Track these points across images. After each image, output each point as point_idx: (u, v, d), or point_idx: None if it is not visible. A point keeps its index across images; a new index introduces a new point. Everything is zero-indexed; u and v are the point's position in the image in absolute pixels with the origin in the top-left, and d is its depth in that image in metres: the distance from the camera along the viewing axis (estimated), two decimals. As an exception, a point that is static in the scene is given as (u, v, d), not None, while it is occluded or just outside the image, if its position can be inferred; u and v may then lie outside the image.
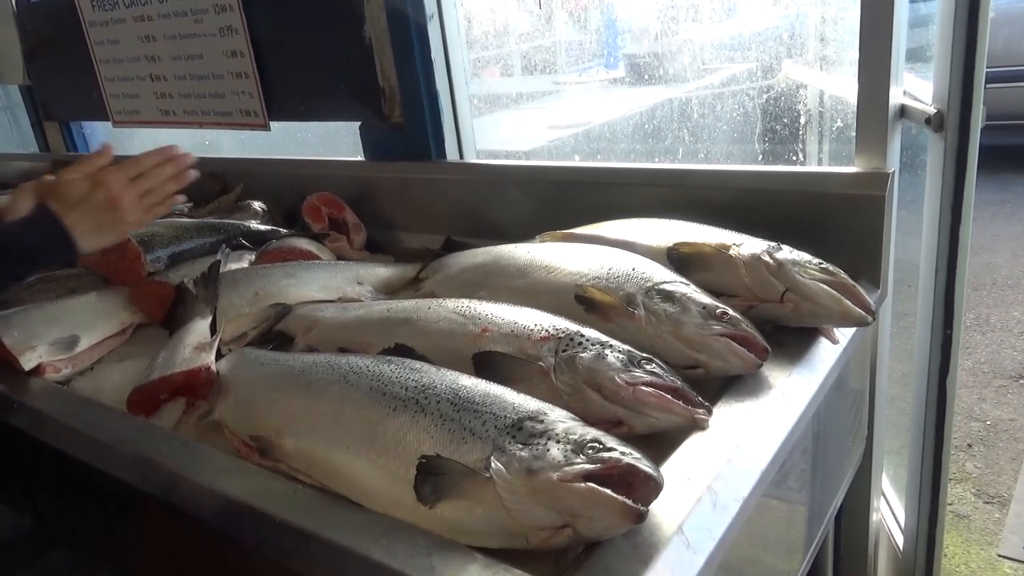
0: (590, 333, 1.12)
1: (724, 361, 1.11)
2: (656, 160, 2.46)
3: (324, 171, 2.22)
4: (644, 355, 1.08)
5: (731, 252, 1.28)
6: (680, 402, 1.02)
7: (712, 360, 1.12)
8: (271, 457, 1.06)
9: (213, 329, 1.49)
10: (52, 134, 3.11)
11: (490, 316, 1.19)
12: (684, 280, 1.23)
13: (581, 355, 1.08)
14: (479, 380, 1.03)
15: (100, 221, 1.39)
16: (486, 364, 1.11)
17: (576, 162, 2.04)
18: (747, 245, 1.28)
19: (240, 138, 2.85)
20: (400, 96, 1.95)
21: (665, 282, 1.21)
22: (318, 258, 1.79)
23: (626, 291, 1.21)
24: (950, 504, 2.53)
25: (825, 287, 1.19)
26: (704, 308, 1.15)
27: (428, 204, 2.02)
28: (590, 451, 0.86)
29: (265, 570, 0.98)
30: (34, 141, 3.15)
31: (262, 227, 1.96)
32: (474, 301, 1.26)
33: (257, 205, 2.17)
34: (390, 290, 1.72)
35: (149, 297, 1.64)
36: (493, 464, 0.88)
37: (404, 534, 0.87)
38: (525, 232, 1.63)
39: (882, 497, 1.91)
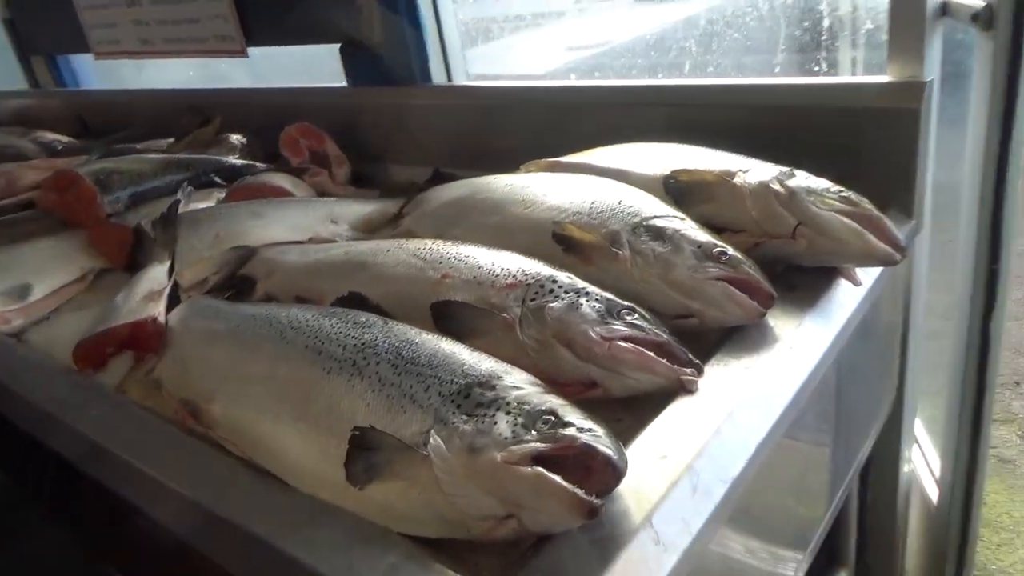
0: (563, 279, 0.96)
1: (721, 309, 0.95)
2: (663, 76, 2.24)
3: (306, 99, 2.06)
4: (626, 304, 0.92)
5: (736, 180, 1.10)
6: (664, 360, 0.86)
7: (707, 308, 0.95)
8: (202, 423, 0.94)
9: (170, 275, 1.36)
10: (40, 69, 2.97)
11: (452, 260, 1.04)
12: (679, 214, 1.05)
13: (551, 304, 0.92)
14: (431, 336, 0.89)
15: None
16: (445, 316, 0.96)
17: (575, 81, 1.83)
18: (755, 172, 1.10)
19: (238, 73, 2.68)
20: (379, 15, 1.75)
21: (655, 216, 1.04)
22: (291, 195, 1.64)
23: (609, 228, 1.04)
24: (993, 448, 2.36)
25: (845, 220, 1.01)
26: (699, 247, 0.98)
27: (416, 133, 1.85)
28: (543, 426, 0.71)
29: (171, 549, 0.88)
30: (23, 78, 3.03)
31: (236, 162, 1.82)
32: (438, 242, 1.10)
33: (235, 138, 2.02)
34: (370, 229, 1.56)
35: (108, 240, 1.52)
36: (432, 439, 0.74)
37: (328, 521, 0.74)
38: (521, 161, 1.45)
39: (915, 445, 1.75)
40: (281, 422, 0.85)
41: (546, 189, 1.16)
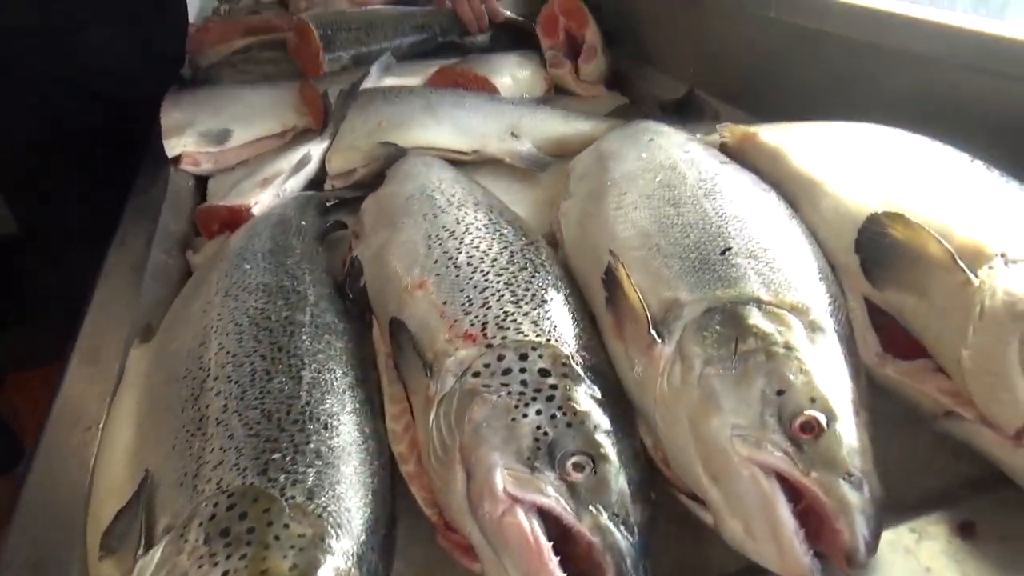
0: (540, 360, 0.59)
1: (743, 521, 0.50)
2: None
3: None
4: (583, 450, 0.53)
5: (982, 276, 0.55)
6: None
7: (725, 505, 0.51)
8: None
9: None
10: None
11: (445, 262, 0.72)
12: (829, 303, 0.57)
13: (485, 397, 0.57)
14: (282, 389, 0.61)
15: None
16: (396, 343, 0.67)
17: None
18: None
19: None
20: None
21: (759, 301, 0.57)
22: (496, 91, 1.37)
23: (675, 291, 0.61)
24: None
25: None
26: (781, 395, 0.51)
27: (692, 35, 1.40)
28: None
29: None
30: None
31: (474, 38, 1.58)
32: (467, 217, 0.77)
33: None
34: (564, 151, 1.24)
35: (313, 100, 1.45)
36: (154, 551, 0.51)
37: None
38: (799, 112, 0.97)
39: None
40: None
41: (656, 182, 0.73)
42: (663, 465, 0.57)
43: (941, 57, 0.86)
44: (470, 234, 0.75)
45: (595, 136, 1.19)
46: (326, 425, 0.57)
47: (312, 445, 0.55)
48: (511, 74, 1.45)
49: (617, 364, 0.62)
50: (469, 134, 1.24)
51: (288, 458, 0.54)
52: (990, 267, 0.55)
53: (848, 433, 0.49)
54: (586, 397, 0.57)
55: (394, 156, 1.20)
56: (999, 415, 0.50)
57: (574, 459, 0.53)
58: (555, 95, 1.51)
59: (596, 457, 0.53)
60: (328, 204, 1.15)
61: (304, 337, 0.66)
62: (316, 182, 1.26)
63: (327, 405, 0.59)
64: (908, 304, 0.60)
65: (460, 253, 0.72)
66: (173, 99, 1.45)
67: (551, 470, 0.52)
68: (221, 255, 0.86)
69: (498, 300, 0.65)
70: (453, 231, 0.76)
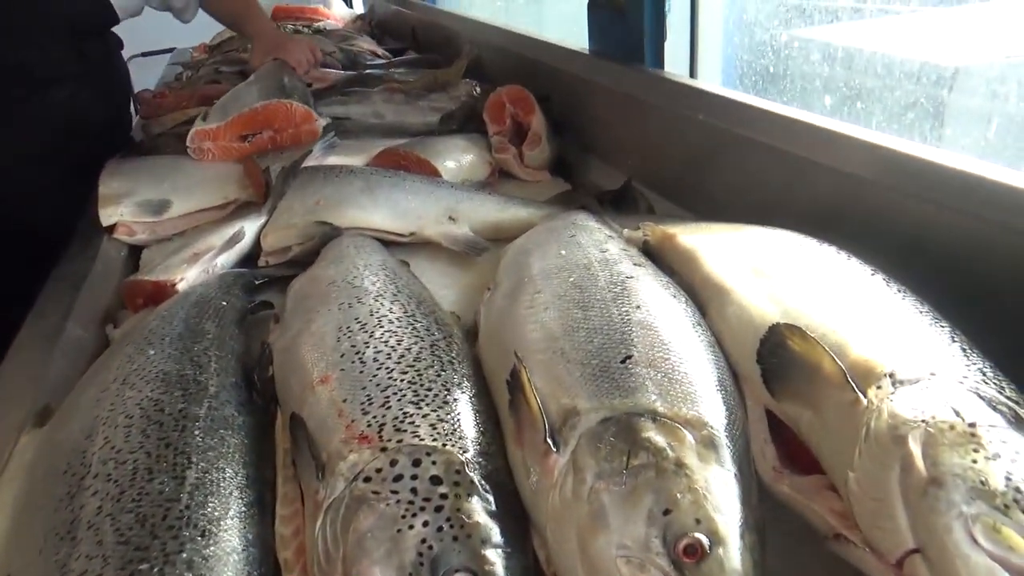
0: (433, 467, 0.57)
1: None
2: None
3: (551, 58, 1.72)
4: (466, 567, 0.51)
5: (871, 395, 0.55)
6: None
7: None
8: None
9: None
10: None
11: (352, 356, 0.70)
12: (732, 414, 0.58)
13: (373, 505, 0.55)
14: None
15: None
16: (295, 438, 0.65)
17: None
18: (929, 389, 0.54)
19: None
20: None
21: (653, 413, 0.57)
22: (438, 174, 1.39)
23: (574, 399, 0.60)
24: None
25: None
26: (667, 514, 0.50)
27: (632, 130, 1.43)
28: None
29: None
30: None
31: (429, 118, 1.62)
32: (385, 307, 0.77)
33: (474, 88, 1.79)
34: (502, 236, 1.25)
35: (255, 176, 1.45)
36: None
37: None
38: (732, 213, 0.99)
39: None
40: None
41: (563, 289, 0.73)
42: (554, 582, 0.55)
43: (850, 170, 0.89)
44: (382, 327, 0.74)
45: (532, 222, 1.21)
46: (204, 532, 0.55)
47: (185, 555, 0.52)
48: (455, 157, 1.47)
49: (515, 472, 0.61)
50: (406, 216, 1.24)
51: (156, 570, 0.51)
52: (879, 387, 0.55)
53: (731, 557, 0.48)
54: (478, 508, 0.56)
55: (329, 235, 1.20)
56: (881, 542, 0.49)
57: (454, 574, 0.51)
58: (500, 179, 1.53)
59: (480, 574, 0.51)
60: (257, 282, 1.13)
61: (196, 432, 0.64)
62: (253, 258, 1.25)
63: (209, 509, 0.57)
64: (804, 418, 0.60)
65: (368, 348, 0.71)
66: (113, 167, 1.44)
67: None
68: (130, 336, 0.84)
69: (399, 400, 0.64)
70: (365, 324, 0.75)
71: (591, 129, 1.57)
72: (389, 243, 1.21)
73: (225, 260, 1.19)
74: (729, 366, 0.67)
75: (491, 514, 0.56)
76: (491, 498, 0.57)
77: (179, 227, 1.41)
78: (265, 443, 0.69)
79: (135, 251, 1.36)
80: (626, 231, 0.99)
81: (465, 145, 1.52)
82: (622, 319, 0.67)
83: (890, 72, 1.42)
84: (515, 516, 0.58)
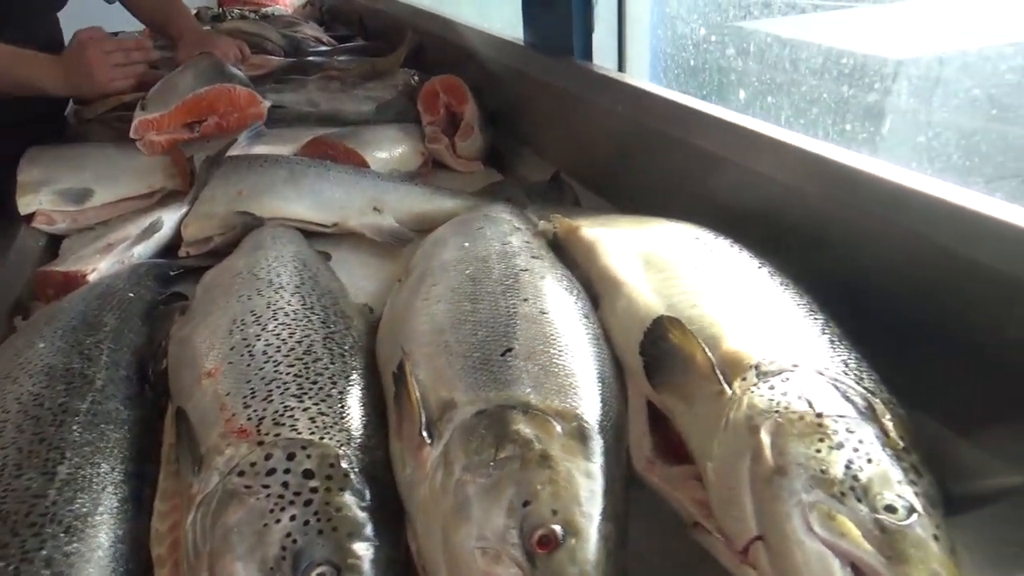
0: (311, 460, 0.57)
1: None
2: None
3: (487, 49, 1.72)
4: (328, 560, 0.51)
5: (736, 388, 0.57)
6: None
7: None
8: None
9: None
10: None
11: (242, 350, 0.70)
12: (607, 406, 0.58)
13: (243, 498, 0.55)
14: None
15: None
16: (178, 432, 0.65)
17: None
18: (785, 378, 0.56)
19: None
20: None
21: (525, 406, 0.58)
22: (367, 165, 1.38)
23: (452, 392, 0.61)
24: None
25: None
26: (527, 506, 0.51)
27: (562, 122, 1.44)
28: None
29: None
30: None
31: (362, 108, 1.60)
32: (295, 309, 0.77)
33: (412, 77, 1.78)
34: (427, 227, 1.25)
35: (181, 165, 1.42)
36: None
37: None
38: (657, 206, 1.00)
39: None
40: None
41: (456, 270, 0.74)
42: (423, 575, 0.55)
43: (762, 169, 0.90)
44: (276, 320, 0.74)
45: (459, 212, 1.21)
46: (68, 528, 0.54)
47: (44, 552, 0.52)
48: (386, 147, 1.46)
49: (394, 464, 0.61)
50: (330, 207, 1.24)
51: (11, 568, 0.50)
52: (743, 378, 0.57)
53: (584, 548, 0.49)
54: (349, 501, 0.56)
55: (250, 225, 1.19)
56: (729, 529, 0.51)
57: (318, 570, 0.51)
58: (434, 169, 1.53)
59: (343, 567, 0.52)
60: (172, 273, 1.12)
61: (75, 427, 0.63)
62: (175, 248, 1.23)
63: (76, 505, 0.56)
64: (679, 410, 0.61)
65: (259, 341, 0.71)
66: (34, 155, 1.41)
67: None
68: (26, 329, 0.83)
69: (282, 393, 0.64)
70: (259, 317, 0.75)
71: (525, 120, 1.57)
72: (315, 234, 1.21)
73: (143, 250, 1.17)
74: (613, 359, 0.68)
75: (362, 508, 0.56)
76: (365, 491, 0.57)
77: (102, 216, 1.38)
78: (151, 438, 0.68)
79: (56, 241, 1.33)
80: (541, 224, 1.00)
81: (397, 135, 1.51)
82: (508, 312, 0.67)
83: (826, 66, 1.45)
84: (390, 509, 0.58)
